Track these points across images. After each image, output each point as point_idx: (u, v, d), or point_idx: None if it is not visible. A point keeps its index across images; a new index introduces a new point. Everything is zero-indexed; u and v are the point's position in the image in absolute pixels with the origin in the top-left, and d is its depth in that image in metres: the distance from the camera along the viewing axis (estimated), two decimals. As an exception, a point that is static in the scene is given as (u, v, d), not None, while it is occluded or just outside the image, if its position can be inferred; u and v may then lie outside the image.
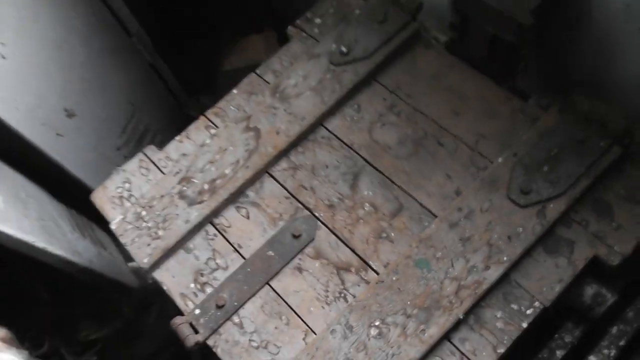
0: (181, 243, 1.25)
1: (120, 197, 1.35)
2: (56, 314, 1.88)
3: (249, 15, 2.17)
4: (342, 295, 1.12)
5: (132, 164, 1.39)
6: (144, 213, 1.29)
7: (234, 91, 1.45)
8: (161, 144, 1.44)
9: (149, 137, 2.03)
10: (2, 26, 1.44)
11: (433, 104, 1.30)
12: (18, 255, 1.75)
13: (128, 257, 2.05)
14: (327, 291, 1.13)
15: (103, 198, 1.36)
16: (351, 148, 1.28)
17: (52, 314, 1.88)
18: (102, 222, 2.02)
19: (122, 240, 1.28)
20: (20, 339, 1.78)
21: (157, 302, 1.83)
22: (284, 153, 1.30)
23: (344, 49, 1.37)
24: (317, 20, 1.49)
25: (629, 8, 1.12)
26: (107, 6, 1.73)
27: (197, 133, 1.40)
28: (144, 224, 1.27)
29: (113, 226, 1.30)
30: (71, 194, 1.85)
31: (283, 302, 1.14)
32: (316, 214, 1.22)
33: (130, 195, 1.34)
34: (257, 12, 2.15)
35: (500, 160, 1.17)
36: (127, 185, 1.36)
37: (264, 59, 1.92)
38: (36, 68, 1.55)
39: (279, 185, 1.28)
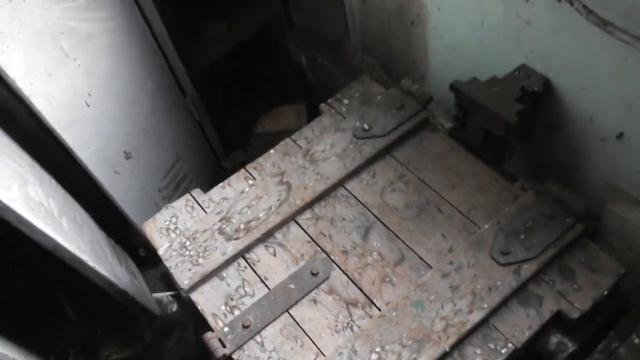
0: (216, 271, 1.48)
1: (167, 229, 1.60)
2: (82, 334, 2.07)
3: (285, 89, 2.54)
4: (350, 325, 1.35)
5: (180, 203, 1.66)
6: (187, 243, 1.53)
7: (271, 151, 1.74)
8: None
9: (186, 183, 2.31)
10: (92, 79, 1.78)
11: (435, 177, 1.58)
12: (53, 280, 1.98)
13: (152, 289, 2.27)
14: (337, 321, 1.36)
15: (153, 228, 1.61)
16: (365, 206, 1.55)
17: (78, 333, 2.07)
18: (132, 255, 2.27)
19: (167, 264, 1.51)
20: (47, 353, 1.98)
21: (177, 330, 2.01)
22: (309, 205, 1.57)
23: (365, 126, 1.68)
24: (345, 101, 1.82)
25: (592, 121, 1.42)
26: (172, 71, 2.09)
27: (237, 182, 1.68)
28: (187, 252, 1.52)
29: (160, 252, 1.54)
30: (112, 226, 2.11)
31: (299, 327, 1.36)
32: (332, 257, 1.47)
33: (176, 228, 1.60)
34: (293, 88, 2.52)
35: (486, 226, 1.43)
36: (174, 219, 1.62)
37: (293, 126, 2.26)
38: (110, 116, 1.87)
39: (303, 231, 1.54)
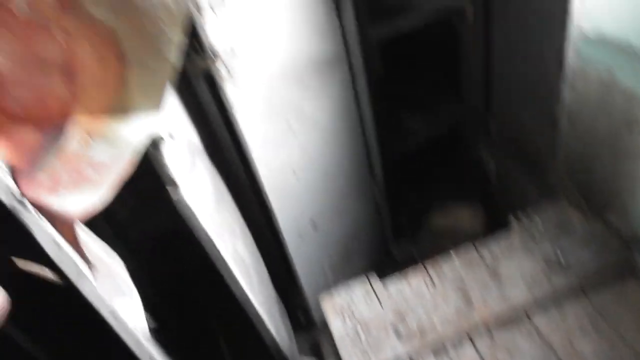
0: (384, 369, 1.52)
1: (342, 312, 1.68)
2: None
3: (462, 187, 2.55)
4: None
5: (358, 287, 1.74)
6: (361, 332, 1.60)
7: (453, 256, 1.75)
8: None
9: (355, 259, 2.41)
10: (304, 155, 1.98)
11: (636, 335, 1.44)
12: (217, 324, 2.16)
13: (301, 351, 2.37)
14: None
15: (329, 306, 1.71)
16: (550, 347, 1.47)
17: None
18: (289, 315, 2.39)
19: (339, 345, 1.59)
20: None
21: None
22: (487, 326, 1.53)
23: (560, 257, 1.61)
24: (539, 222, 1.76)
25: None
26: (367, 153, 2.23)
27: (415, 280, 1.70)
28: (359, 342, 1.57)
29: (335, 334, 1.62)
30: (279, 284, 2.27)
31: None
32: (506, 392, 1.40)
33: (352, 314, 1.67)
34: (470, 188, 2.53)
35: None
36: (350, 304, 1.70)
37: (467, 227, 2.23)
38: (310, 189, 2.06)
39: (477, 354, 1.50)
